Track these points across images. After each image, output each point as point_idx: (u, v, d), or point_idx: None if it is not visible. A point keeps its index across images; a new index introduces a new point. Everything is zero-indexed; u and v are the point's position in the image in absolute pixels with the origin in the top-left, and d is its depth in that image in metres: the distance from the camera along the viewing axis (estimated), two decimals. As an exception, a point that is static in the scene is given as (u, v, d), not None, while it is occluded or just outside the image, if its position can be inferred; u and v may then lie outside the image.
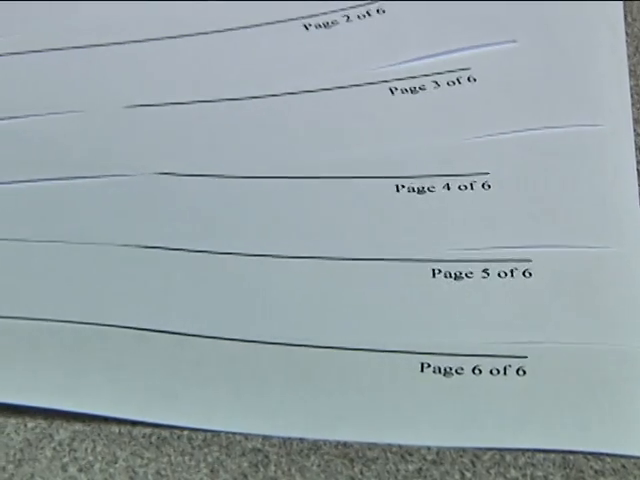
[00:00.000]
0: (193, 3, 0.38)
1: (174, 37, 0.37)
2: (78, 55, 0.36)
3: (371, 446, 0.29)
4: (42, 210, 0.32)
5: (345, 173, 0.33)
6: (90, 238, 0.32)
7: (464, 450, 0.29)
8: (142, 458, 0.28)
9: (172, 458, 0.28)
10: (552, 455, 0.29)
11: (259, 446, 0.29)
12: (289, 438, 0.29)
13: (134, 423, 0.29)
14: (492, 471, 0.29)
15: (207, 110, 0.35)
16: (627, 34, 0.38)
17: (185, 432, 0.29)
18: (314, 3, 0.38)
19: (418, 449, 0.29)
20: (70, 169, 0.34)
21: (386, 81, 0.36)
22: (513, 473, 0.29)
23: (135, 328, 0.30)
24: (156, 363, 0.29)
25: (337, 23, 0.37)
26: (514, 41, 0.37)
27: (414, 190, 0.33)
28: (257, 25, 0.37)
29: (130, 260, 0.31)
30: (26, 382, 0.29)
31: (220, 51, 0.37)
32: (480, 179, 0.33)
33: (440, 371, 0.29)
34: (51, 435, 0.29)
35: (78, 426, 0.29)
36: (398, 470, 0.28)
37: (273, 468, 0.28)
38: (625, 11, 0.39)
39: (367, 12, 0.38)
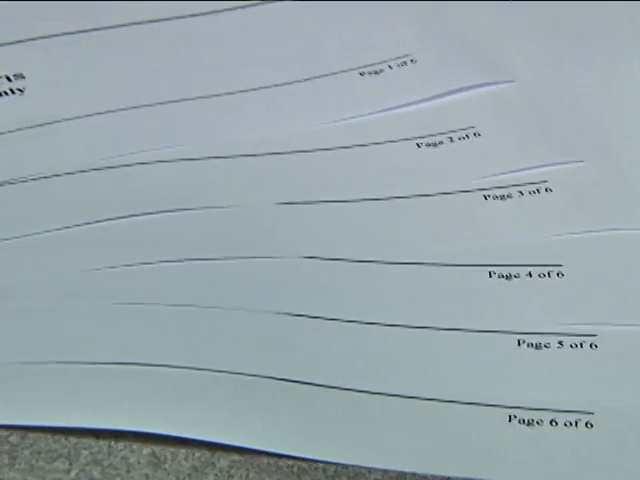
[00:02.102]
0: (331, 126, 0.41)
1: (311, 151, 0.40)
2: (238, 162, 0.39)
3: (468, 481, 0.32)
4: (207, 282, 0.36)
5: (447, 261, 0.36)
6: (246, 306, 0.35)
7: (543, 487, 0.32)
8: (286, 484, 0.32)
9: (309, 485, 0.32)
10: (614, 493, 0.32)
11: (379, 477, 0.31)
12: (403, 472, 0.31)
13: (280, 456, 0.32)
14: (566, 504, 0.32)
15: (338, 208, 0.38)
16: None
17: (320, 464, 0.32)
18: (426, 126, 0.41)
19: (506, 484, 0.32)
20: (230, 251, 0.36)
21: (481, 189, 0.39)
22: (582, 506, 0.32)
23: (283, 379, 0.33)
24: (298, 408, 0.32)
25: (443, 143, 0.40)
26: (581, 161, 0.39)
27: (503, 276, 0.36)
28: (381, 142, 0.40)
29: (280, 325, 0.34)
30: (196, 419, 0.32)
31: (351, 162, 0.40)
32: (555, 269, 0.36)
33: (524, 422, 0.32)
34: (213, 463, 0.32)
35: (235, 457, 0.32)
36: (490, 501, 0.31)
37: (390, 496, 0.32)
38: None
39: (466, 135, 0.41)
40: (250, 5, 0.45)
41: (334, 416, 0.32)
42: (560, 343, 0.34)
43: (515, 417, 0.32)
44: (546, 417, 0.32)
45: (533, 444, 0.31)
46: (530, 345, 0.34)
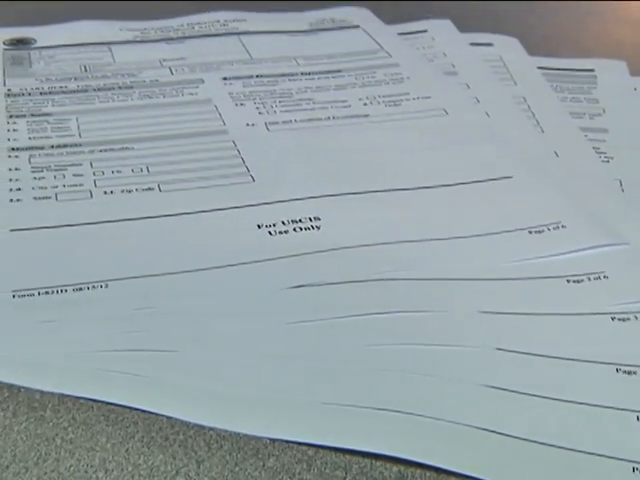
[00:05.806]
0: (508, 265, 0.55)
1: (495, 279, 0.53)
2: (450, 284, 0.53)
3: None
4: (424, 360, 0.47)
5: (590, 359, 0.48)
6: (454, 378, 0.46)
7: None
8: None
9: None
10: None
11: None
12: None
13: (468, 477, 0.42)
14: None
15: (515, 318, 0.51)
16: None
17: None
18: (572, 268, 0.54)
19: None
20: (432, 339, 0.49)
21: (608, 313, 0.51)
22: None
23: (491, 431, 0.43)
24: (499, 452, 0.42)
25: (583, 281, 0.53)
26: None
27: (626, 372, 0.47)
28: (541, 277, 0.54)
29: (480, 395, 0.45)
30: (429, 451, 0.42)
31: (521, 290, 0.53)
32: None
33: None
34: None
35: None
36: None
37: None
38: None
39: (599, 276, 0.54)
40: (460, 183, 0.63)
41: (522, 460, 0.43)
42: None
43: (637, 469, 0.41)
44: None
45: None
46: None
